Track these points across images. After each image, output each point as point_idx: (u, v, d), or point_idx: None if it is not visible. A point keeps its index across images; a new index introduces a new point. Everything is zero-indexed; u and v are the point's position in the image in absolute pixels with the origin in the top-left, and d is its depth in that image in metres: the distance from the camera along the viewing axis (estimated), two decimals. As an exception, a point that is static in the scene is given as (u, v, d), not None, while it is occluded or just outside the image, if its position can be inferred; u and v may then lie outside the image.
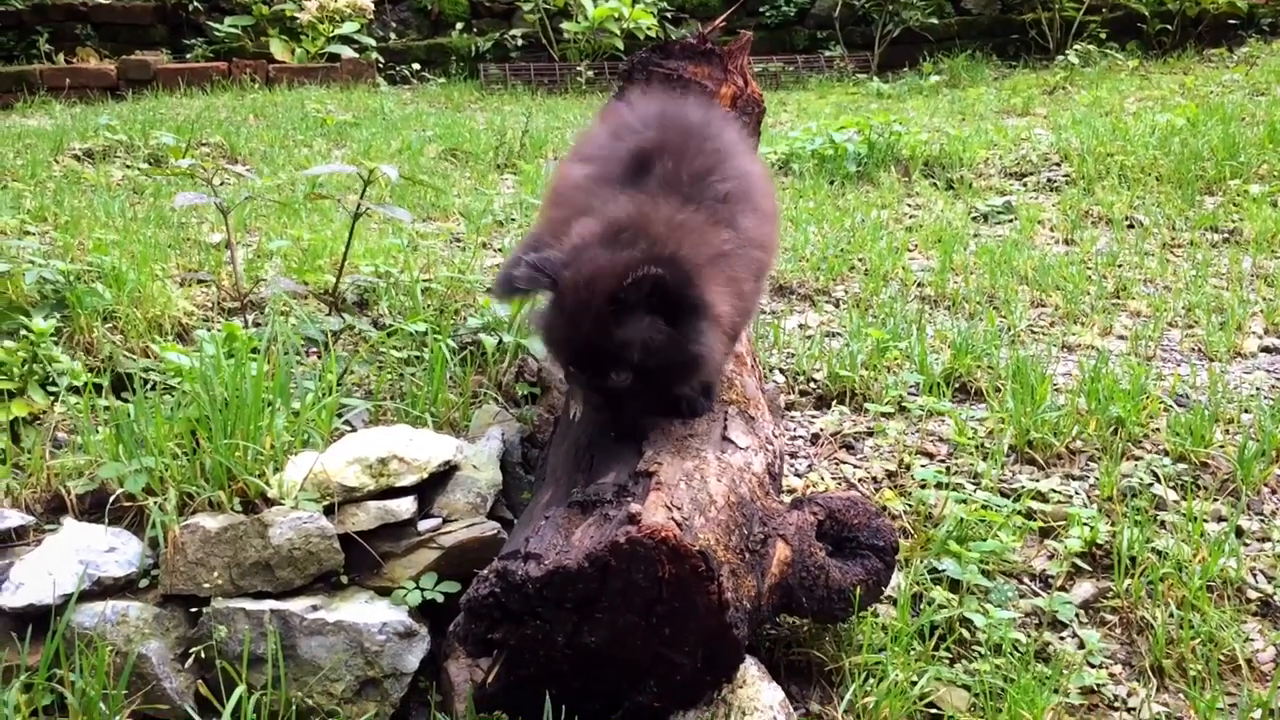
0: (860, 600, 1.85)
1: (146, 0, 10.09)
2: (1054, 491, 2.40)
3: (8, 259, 2.90)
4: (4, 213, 3.58)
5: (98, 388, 2.39)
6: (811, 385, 2.96)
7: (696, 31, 2.82)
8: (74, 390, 2.42)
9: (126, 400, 2.33)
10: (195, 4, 10.06)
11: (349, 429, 2.33)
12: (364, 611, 1.82)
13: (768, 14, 10.52)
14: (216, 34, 9.67)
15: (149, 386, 2.34)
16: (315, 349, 2.77)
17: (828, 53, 10.29)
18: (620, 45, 9.52)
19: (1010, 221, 4.71)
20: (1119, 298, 3.69)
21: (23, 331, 2.51)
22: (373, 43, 9.81)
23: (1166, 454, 2.53)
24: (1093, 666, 1.93)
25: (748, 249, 1.92)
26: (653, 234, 1.80)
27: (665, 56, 2.79)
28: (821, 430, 2.71)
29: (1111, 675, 1.92)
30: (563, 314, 1.77)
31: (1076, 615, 2.04)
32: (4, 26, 9.54)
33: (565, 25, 9.63)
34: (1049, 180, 5.37)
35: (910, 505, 2.34)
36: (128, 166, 5.11)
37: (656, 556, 1.54)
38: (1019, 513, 2.28)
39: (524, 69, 9.81)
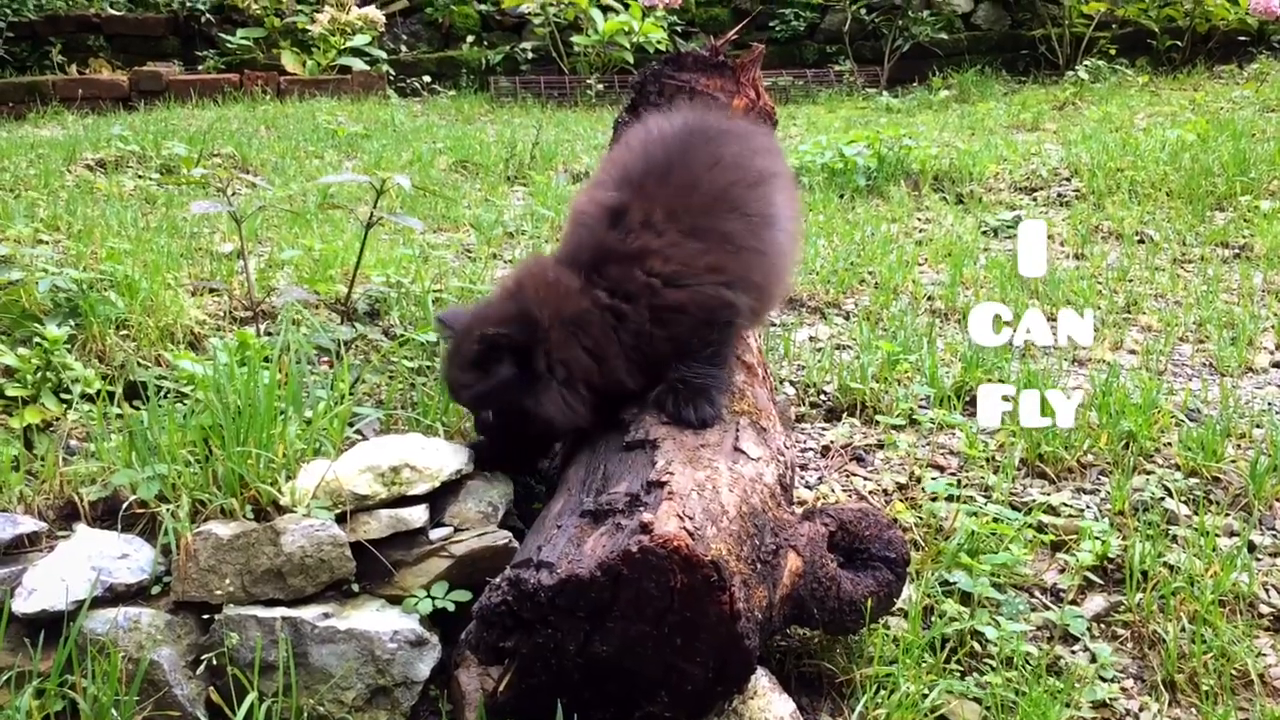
0: (871, 612, 1.85)
1: (159, 12, 10.14)
2: (1065, 505, 2.39)
3: (22, 267, 2.92)
4: (18, 221, 3.60)
5: (110, 395, 2.40)
6: (822, 398, 2.96)
7: (709, 44, 2.83)
8: (87, 398, 2.43)
9: (138, 408, 2.34)
10: (207, 16, 10.10)
11: (360, 438, 2.33)
12: (375, 619, 1.82)
13: (777, 28, 10.54)
14: (228, 46, 9.71)
15: (162, 394, 2.35)
16: (327, 358, 2.78)
17: (837, 67, 10.29)
18: (630, 59, 9.54)
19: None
20: (1129, 312, 3.69)
21: (36, 339, 2.52)
22: (384, 55, 9.84)
23: (1178, 469, 2.53)
24: (1104, 680, 1.92)
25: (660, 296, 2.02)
26: (527, 296, 2.03)
27: (678, 68, 2.80)
28: (832, 442, 2.71)
29: (1123, 689, 1.91)
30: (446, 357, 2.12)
31: (1088, 629, 2.04)
32: (17, 37, 9.59)
33: (575, 39, 9.66)
34: (1059, 195, 5.37)
35: (921, 518, 2.33)
36: (140, 177, 5.13)
37: (669, 566, 1.54)
38: (1030, 526, 2.28)
39: (534, 82, 9.83)
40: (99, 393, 2.37)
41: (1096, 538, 2.23)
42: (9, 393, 2.42)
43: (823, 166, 5.65)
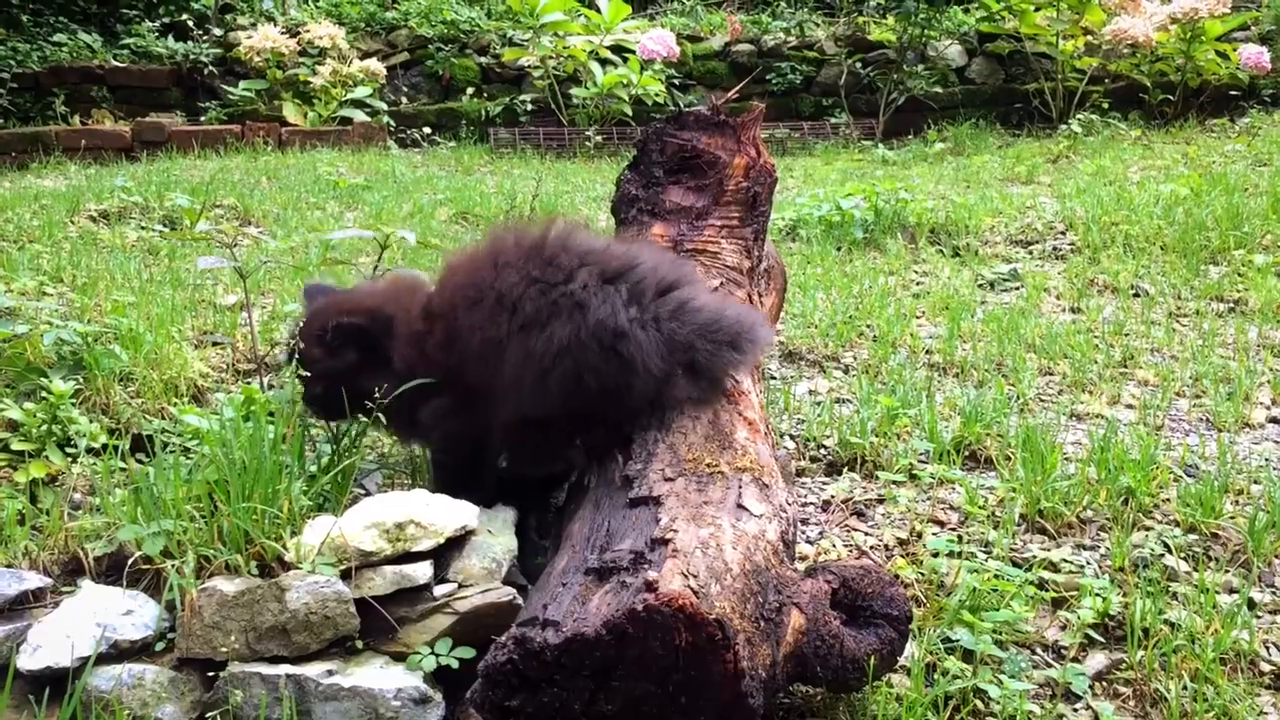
0: (874, 670, 1.85)
1: (162, 64, 10.25)
2: (1065, 561, 2.40)
3: (26, 320, 2.94)
4: (23, 273, 3.63)
5: (115, 449, 2.41)
6: (822, 452, 2.98)
7: (710, 102, 2.87)
8: (92, 451, 2.44)
9: (143, 462, 2.35)
10: (210, 68, 10.21)
11: (363, 493, 2.34)
12: (379, 677, 1.82)
13: (774, 81, 10.67)
14: (230, 97, 9.82)
15: (166, 449, 2.36)
16: (330, 412, 2.79)
17: (833, 120, 10.42)
18: (628, 111, 9.65)
19: (1016, 289, 4.75)
20: (1126, 366, 3.71)
21: (42, 393, 2.54)
22: (384, 107, 9.95)
23: (1177, 525, 2.54)
24: (1107, 739, 1.92)
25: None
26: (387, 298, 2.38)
27: (680, 127, 2.84)
28: (832, 497, 2.72)
29: (1126, 748, 1.91)
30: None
31: (1090, 687, 2.04)
32: (20, 88, 9.70)
33: (574, 91, 9.77)
34: (1054, 248, 5.42)
35: (922, 574, 2.34)
36: (143, 228, 5.17)
37: (674, 624, 1.55)
38: (1031, 582, 2.28)
39: (533, 133, 9.93)
40: (106, 447, 2.38)
41: (1097, 594, 2.24)
42: (14, 447, 2.43)
43: (820, 219, 5.70)
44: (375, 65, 9.89)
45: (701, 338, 2.15)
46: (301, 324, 2.37)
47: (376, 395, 2.17)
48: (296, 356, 2.31)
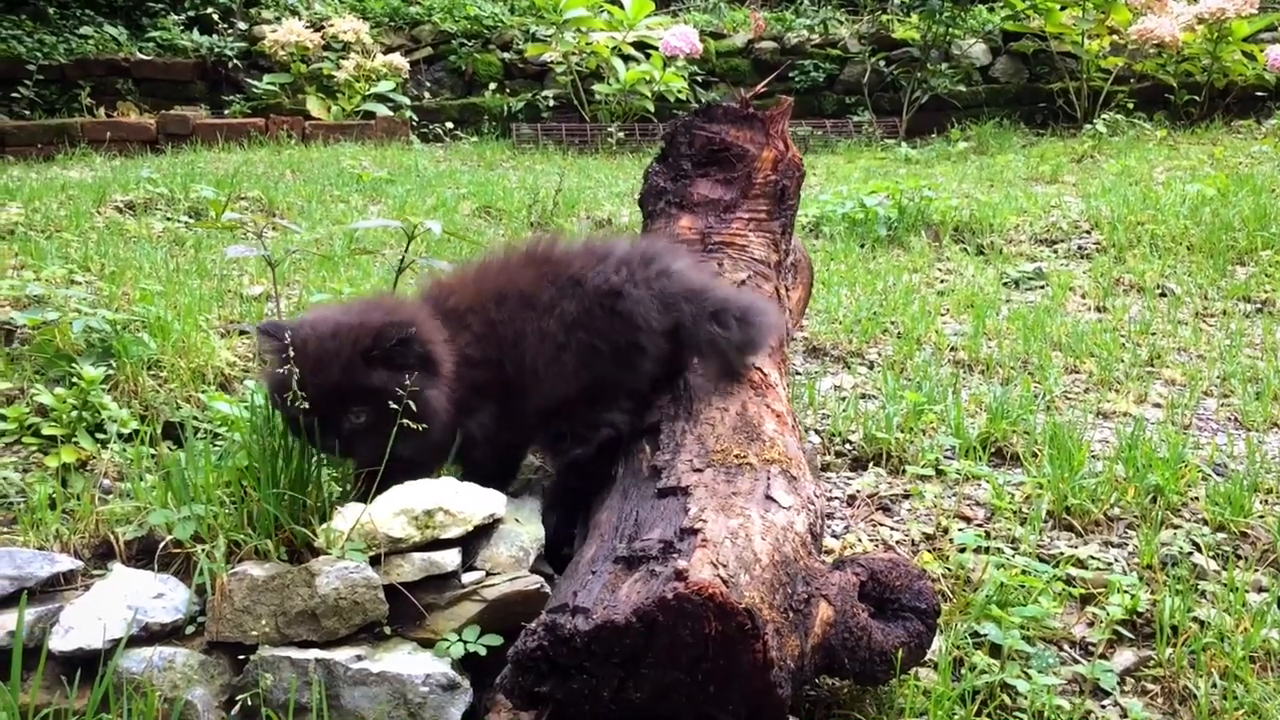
0: (902, 663, 1.85)
1: (187, 57, 10.30)
2: (1093, 558, 2.39)
3: (56, 307, 2.96)
4: (52, 262, 3.65)
5: (145, 435, 2.42)
6: (847, 447, 2.97)
7: (738, 96, 2.87)
8: (122, 437, 2.45)
9: (173, 448, 2.36)
10: (235, 62, 10.25)
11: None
12: (407, 662, 1.83)
13: (797, 79, 10.64)
14: (255, 91, 9.85)
15: (196, 435, 2.37)
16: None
17: (856, 118, 10.38)
18: (651, 107, 9.64)
19: (1042, 288, 4.73)
20: (1153, 366, 3.69)
21: (73, 379, 2.55)
22: (407, 101, 9.97)
23: (1206, 523, 2.53)
24: (1136, 736, 1.91)
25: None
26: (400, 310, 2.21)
27: (709, 120, 2.84)
28: (858, 492, 2.71)
29: (1155, 745, 1.90)
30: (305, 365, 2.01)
31: (1119, 683, 2.03)
32: (47, 80, 9.74)
33: (597, 87, 9.77)
34: (1079, 247, 5.39)
35: (949, 569, 2.33)
36: (168, 219, 5.19)
37: (703, 613, 1.55)
38: (1059, 579, 2.27)
39: (555, 129, 9.94)
40: (138, 433, 2.40)
41: (1125, 591, 2.23)
42: (45, 431, 2.45)
43: (843, 216, 5.68)
44: (398, 60, 9.91)
45: (686, 300, 2.26)
46: (313, 352, 2.03)
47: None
48: (325, 390, 2.02)
